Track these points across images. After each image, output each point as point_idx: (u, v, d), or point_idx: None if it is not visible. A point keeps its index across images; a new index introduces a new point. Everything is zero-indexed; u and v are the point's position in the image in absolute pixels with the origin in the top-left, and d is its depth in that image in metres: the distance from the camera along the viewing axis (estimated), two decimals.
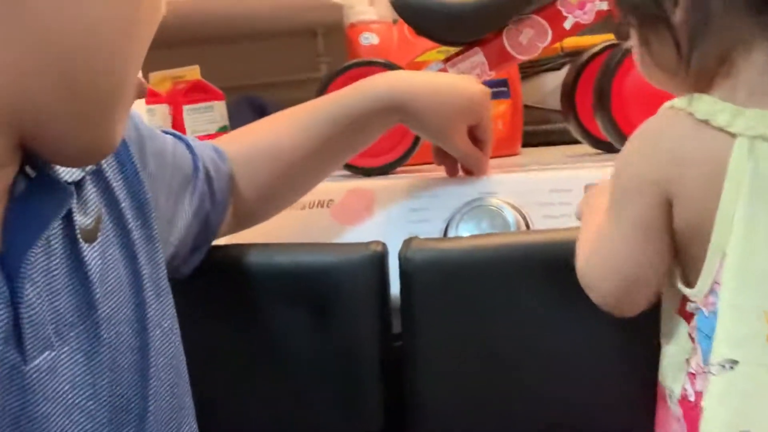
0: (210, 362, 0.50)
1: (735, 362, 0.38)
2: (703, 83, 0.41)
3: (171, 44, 1.04)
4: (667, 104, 0.41)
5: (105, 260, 0.38)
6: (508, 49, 0.72)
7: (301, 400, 0.56)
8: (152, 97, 0.83)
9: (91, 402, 0.35)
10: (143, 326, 0.39)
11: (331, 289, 0.54)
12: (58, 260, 0.34)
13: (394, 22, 0.98)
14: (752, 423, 0.37)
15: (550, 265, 0.51)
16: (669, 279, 0.43)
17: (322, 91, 0.72)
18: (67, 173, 0.36)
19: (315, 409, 0.56)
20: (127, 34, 0.32)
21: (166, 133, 0.52)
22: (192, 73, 0.90)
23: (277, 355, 0.56)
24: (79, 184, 0.37)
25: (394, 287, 0.55)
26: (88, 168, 0.38)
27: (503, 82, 0.87)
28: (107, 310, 0.37)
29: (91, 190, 0.39)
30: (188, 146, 0.53)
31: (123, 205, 0.41)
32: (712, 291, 0.40)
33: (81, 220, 0.37)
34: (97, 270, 0.36)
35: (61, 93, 0.31)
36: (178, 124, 0.87)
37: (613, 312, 0.44)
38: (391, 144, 0.72)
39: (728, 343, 0.38)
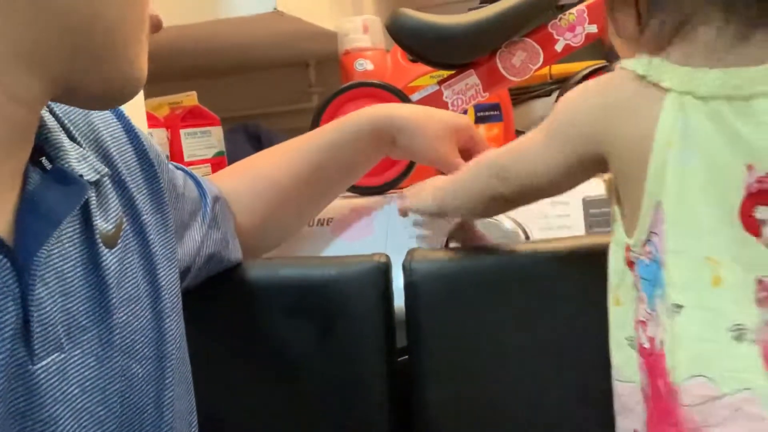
0: (214, 375, 0.50)
1: (680, 306, 0.38)
2: (659, 49, 0.42)
3: (168, 77, 1.06)
4: (618, 64, 0.44)
5: (123, 267, 0.37)
6: (502, 71, 0.74)
7: (307, 413, 0.55)
8: (151, 121, 0.84)
9: (100, 408, 0.34)
10: (161, 336, 0.39)
11: (336, 301, 0.54)
12: (73, 263, 0.34)
13: (388, 50, 1.01)
14: (706, 367, 0.37)
15: (553, 275, 0.51)
16: (614, 233, 0.44)
17: (322, 109, 0.74)
18: (83, 171, 0.36)
19: (321, 423, 0.55)
20: None
21: (177, 168, 0.53)
22: (189, 99, 0.91)
23: (281, 369, 0.55)
24: (98, 188, 0.37)
25: (397, 302, 0.56)
26: (104, 171, 0.38)
27: (496, 106, 0.89)
28: (123, 317, 0.36)
29: (112, 197, 0.39)
30: (195, 181, 0.54)
31: (145, 218, 0.41)
32: (649, 240, 0.40)
33: (101, 224, 0.36)
34: (115, 276, 0.36)
35: (72, 36, 0.30)
36: (175, 148, 0.87)
37: (495, 208, 0.52)
38: (388, 164, 0.74)
39: (675, 288, 0.39)
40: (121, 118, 0.44)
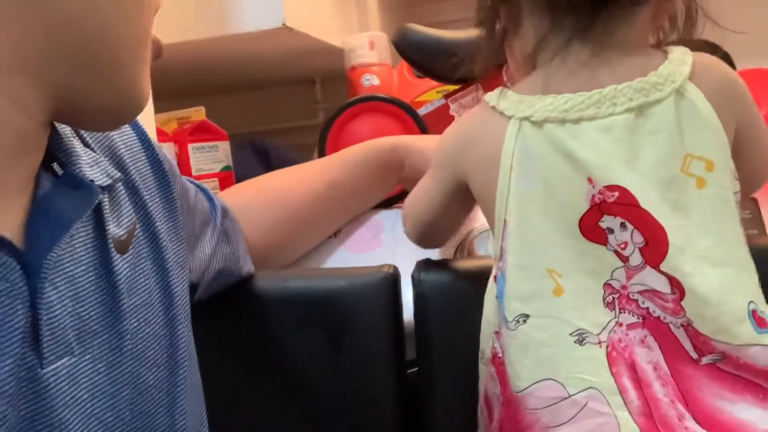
0: (222, 387, 0.50)
1: (527, 316, 0.41)
2: (523, 77, 0.46)
3: (176, 94, 1.07)
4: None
5: (135, 273, 0.37)
6: (508, 85, 0.74)
7: (316, 425, 0.55)
8: (159, 136, 0.85)
9: (109, 414, 0.34)
10: (173, 344, 0.39)
11: (345, 312, 0.54)
12: (84, 267, 0.34)
13: (394, 66, 1.02)
14: (553, 370, 0.40)
15: None
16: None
17: (331, 122, 0.74)
18: (94, 176, 0.36)
19: None
20: None
21: (188, 181, 0.54)
22: (197, 114, 0.91)
23: (290, 380, 0.55)
24: (111, 193, 0.37)
25: (406, 315, 0.55)
26: (117, 175, 0.38)
27: None
28: (134, 323, 0.36)
29: (125, 203, 0.39)
30: (206, 194, 0.54)
31: (158, 225, 0.41)
32: (501, 257, 0.44)
33: (114, 230, 0.36)
34: (126, 282, 0.36)
35: (75, 55, 0.30)
36: (183, 162, 0.88)
37: (424, 246, 0.56)
38: None
39: (519, 300, 0.42)
40: (135, 126, 0.44)
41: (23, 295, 0.30)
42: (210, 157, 0.91)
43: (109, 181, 0.37)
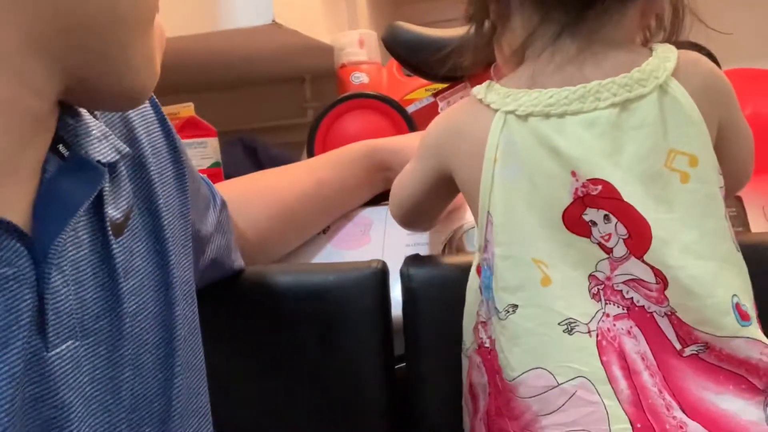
0: (211, 382, 0.49)
1: (516, 306, 0.42)
2: (510, 71, 0.47)
3: (164, 91, 1.06)
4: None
5: (131, 255, 0.37)
6: (496, 81, 0.75)
7: (304, 420, 0.55)
8: None
9: (109, 396, 0.34)
10: (170, 325, 0.39)
11: (333, 307, 0.54)
12: (86, 251, 0.34)
13: (383, 64, 1.02)
14: (542, 359, 0.40)
15: None
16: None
17: (320, 119, 0.74)
18: (102, 154, 0.35)
19: (318, 430, 0.55)
20: None
21: None
22: (186, 110, 0.91)
23: (278, 375, 0.55)
24: (113, 174, 0.37)
25: (394, 311, 0.56)
26: (125, 150, 0.37)
27: None
28: (133, 306, 0.36)
29: (125, 184, 0.38)
30: (208, 184, 0.54)
31: (160, 202, 0.41)
32: (486, 248, 0.44)
33: (112, 213, 0.36)
34: (123, 264, 0.36)
35: (85, 35, 0.30)
36: None
37: (407, 228, 0.58)
38: None
39: (506, 291, 0.42)
40: (152, 100, 0.44)
41: (30, 281, 0.30)
42: (199, 153, 0.90)
43: (117, 157, 0.36)
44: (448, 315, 0.53)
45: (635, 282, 0.40)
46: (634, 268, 0.40)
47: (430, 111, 0.76)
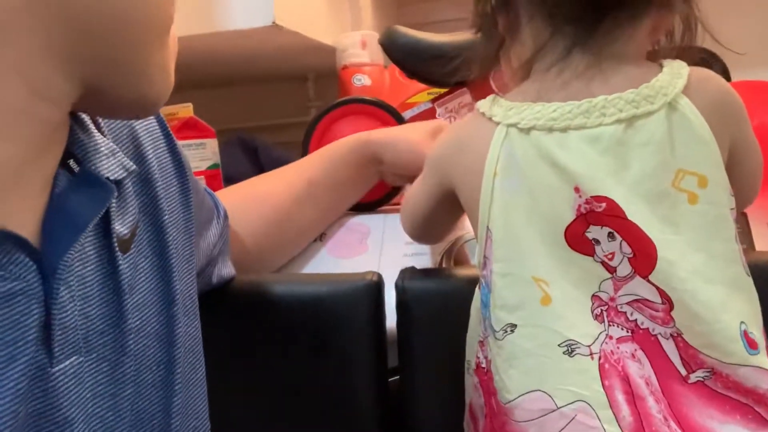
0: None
1: (514, 326, 0.41)
2: (516, 85, 0.46)
3: None
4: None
5: (136, 271, 0.37)
6: (495, 90, 0.74)
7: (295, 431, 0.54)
8: None
9: (110, 413, 0.34)
10: (171, 342, 0.39)
11: (327, 319, 0.53)
12: (92, 267, 0.34)
13: (386, 66, 1.01)
14: (541, 381, 0.39)
15: None
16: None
17: (317, 121, 0.73)
18: (110, 171, 0.35)
19: None
20: None
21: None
22: (185, 110, 0.90)
23: (271, 386, 0.54)
24: (120, 190, 0.37)
25: (389, 322, 0.55)
26: (132, 168, 0.37)
27: None
28: (137, 322, 0.36)
29: (131, 200, 0.38)
30: (211, 195, 0.54)
31: (166, 218, 0.41)
32: (485, 265, 0.43)
33: (119, 229, 0.36)
34: (128, 281, 0.36)
35: (98, 44, 0.30)
36: None
37: (418, 242, 0.58)
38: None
39: (504, 309, 0.41)
40: (158, 117, 0.44)
41: (38, 295, 0.30)
42: (197, 154, 0.89)
43: (124, 174, 0.36)
44: (442, 329, 0.52)
45: (640, 302, 0.39)
46: (639, 288, 0.39)
47: (428, 117, 0.75)
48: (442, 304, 0.52)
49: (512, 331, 0.40)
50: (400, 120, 0.74)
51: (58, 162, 0.32)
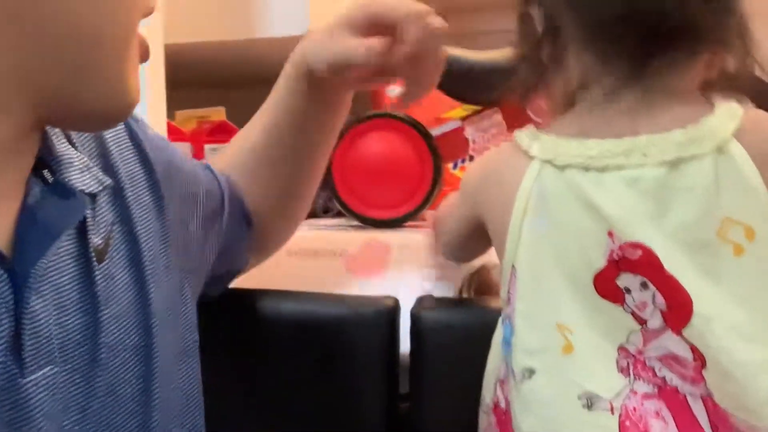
0: (212, 406, 0.49)
1: (533, 371, 0.39)
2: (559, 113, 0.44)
3: (196, 85, 1.06)
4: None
5: (113, 282, 0.37)
6: (528, 111, 0.72)
7: None
8: (175, 135, 0.84)
9: (77, 427, 0.33)
10: (149, 355, 0.38)
11: (341, 341, 0.53)
12: (69, 277, 0.34)
13: None
14: (554, 430, 0.37)
15: None
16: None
17: (342, 134, 0.72)
18: (84, 184, 0.35)
19: None
20: None
21: (206, 168, 0.51)
22: (217, 113, 0.91)
23: (281, 404, 0.53)
24: (94, 202, 0.37)
25: (404, 345, 0.54)
26: (107, 182, 0.37)
27: None
28: (114, 334, 0.36)
29: (105, 210, 0.38)
30: (213, 173, 0.51)
31: (139, 228, 0.40)
32: (508, 302, 0.41)
33: (95, 239, 0.36)
34: (104, 291, 0.36)
35: (53, 57, 0.30)
36: None
37: (449, 260, 0.55)
38: (406, 196, 0.72)
39: (525, 353, 0.39)
40: (127, 124, 0.43)
41: (8, 304, 0.30)
42: None
43: (99, 188, 0.36)
44: (455, 361, 0.51)
45: (670, 358, 0.37)
46: (670, 342, 0.36)
47: (456, 135, 0.73)
48: (457, 337, 0.50)
49: (530, 376, 0.39)
50: (427, 137, 0.73)
51: (27, 172, 0.32)
